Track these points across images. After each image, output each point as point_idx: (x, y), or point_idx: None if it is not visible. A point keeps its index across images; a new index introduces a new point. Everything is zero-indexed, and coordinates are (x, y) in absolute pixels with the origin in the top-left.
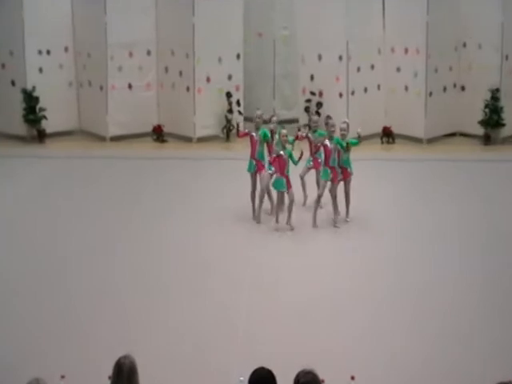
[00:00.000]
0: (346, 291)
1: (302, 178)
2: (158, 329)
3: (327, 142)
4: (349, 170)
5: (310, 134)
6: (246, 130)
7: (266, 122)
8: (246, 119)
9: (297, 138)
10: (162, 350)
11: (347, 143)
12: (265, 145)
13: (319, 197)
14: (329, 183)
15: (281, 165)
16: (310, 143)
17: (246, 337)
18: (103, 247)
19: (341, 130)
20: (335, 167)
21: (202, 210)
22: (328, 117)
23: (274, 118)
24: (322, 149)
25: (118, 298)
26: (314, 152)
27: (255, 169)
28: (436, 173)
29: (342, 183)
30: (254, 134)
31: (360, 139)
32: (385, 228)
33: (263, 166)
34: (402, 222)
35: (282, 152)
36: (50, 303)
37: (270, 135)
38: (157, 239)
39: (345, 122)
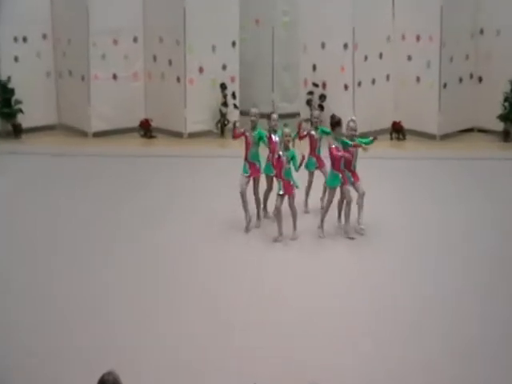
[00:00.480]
0: (349, 304)
1: (309, 185)
2: (150, 339)
3: (334, 144)
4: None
5: (312, 132)
6: (242, 130)
7: (264, 117)
8: (243, 113)
9: (299, 136)
10: (153, 362)
11: (362, 143)
12: (259, 146)
13: (329, 203)
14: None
15: (279, 166)
16: (312, 141)
17: (242, 350)
18: (84, 252)
19: (350, 129)
20: (344, 170)
21: (194, 213)
22: (333, 116)
23: (275, 116)
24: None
25: (105, 313)
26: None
27: (249, 172)
28: (451, 172)
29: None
30: (248, 134)
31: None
32: (393, 235)
33: (258, 170)
34: (413, 229)
35: (280, 153)
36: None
37: (266, 140)
38: (145, 245)
39: (353, 121)
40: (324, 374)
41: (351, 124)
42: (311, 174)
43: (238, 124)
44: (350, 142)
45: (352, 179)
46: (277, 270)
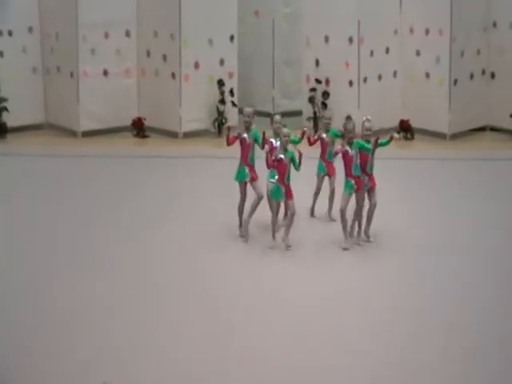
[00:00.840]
0: (351, 305)
1: (317, 193)
2: (149, 339)
3: (348, 148)
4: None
5: (323, 134)
6: (236, 134)
7: (263, 115)
8: (241, 111)
9: (309, 141)
10: (152, 362)
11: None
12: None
13: (342, 212)
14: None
15: (281, 171)
16: (323, 145)
17: (242, 351)
18: (74, 259)
19: (366, 129)
20: (360, 176)
21: (190, 217)
22: (349, 117)
23: (278, 117)
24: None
25: (104, 313)
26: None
27: (249, 177)
28: (461, 174)
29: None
30: (245, 136)
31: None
32: (400, 240)
33: (257, 174)
34: (422, 236)
35: (282, 156)
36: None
37: (260, 140)
38: (137, 252)
39: (369, 120)
40: (324, 375)
41: (366, 124)
42: (320, 179)
43: (231, 126)
44: (369, 146)
45: (369, 184)
46: (277, 272)
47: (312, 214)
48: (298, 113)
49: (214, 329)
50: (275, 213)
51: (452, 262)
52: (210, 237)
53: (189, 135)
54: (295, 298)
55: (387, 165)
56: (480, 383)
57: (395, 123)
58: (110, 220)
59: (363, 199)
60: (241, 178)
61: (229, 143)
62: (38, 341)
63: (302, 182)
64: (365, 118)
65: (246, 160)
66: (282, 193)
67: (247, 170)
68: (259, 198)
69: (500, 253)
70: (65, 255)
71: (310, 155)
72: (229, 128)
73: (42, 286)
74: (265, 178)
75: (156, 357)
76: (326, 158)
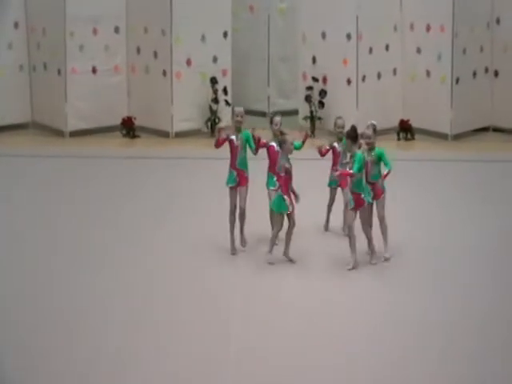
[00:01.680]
0: (352, 312)
1: (330, 205)
2: (146, 341)
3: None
4: (380, 186)
5: (335, 144)
6: (224, 135)
7: (258, 114)
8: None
9: (320, 153)
10: (148, 370)
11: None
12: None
13: (350, 228)
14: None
15: (286, 180)
16: (335, 156)
17: (238, 363)
18: (59, 265)
19: (365, 137)
20: (361, 193)
21: (182, 220)
22: (354, 129)
23: (278, 119)
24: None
25: (96, 320)
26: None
27: (236, 181)
28: (464, 176)
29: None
30: (233, 137)
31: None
32: (400, 245)
33: (246, 179)
34: (422, 238)
35: (287, 165)
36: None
37: (252, 142)
38: (127, 260)
39: (373, 125)
40: (321, 376)
41: (367, 132)
42: (333, 191)
43: (222, 128)
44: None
45: (371, 194)
46: (275, 276)
47: (326, 228)
48: (294, 112)
49: (211, 329)
50: (278, 227)
51: (452, 263)
52: (204, 239)
53: (181, 135)
54: (295, 300)
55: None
56: None
57: (395, 123)
58: (98, 222)
59: (366, 217)
60: (228, 183)
61: (217, 145)
62: (35, 340)
63: (314, 193)
64: (369, 124)
65: (234, 164)
66: (285, 204)
67: (235, 174)
68: (240, 209)
69: (500, 254)
70: (50, 255)
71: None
72: (219, 130)
73: (32, 286)
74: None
75: (154, 357)
76: (339, 168)
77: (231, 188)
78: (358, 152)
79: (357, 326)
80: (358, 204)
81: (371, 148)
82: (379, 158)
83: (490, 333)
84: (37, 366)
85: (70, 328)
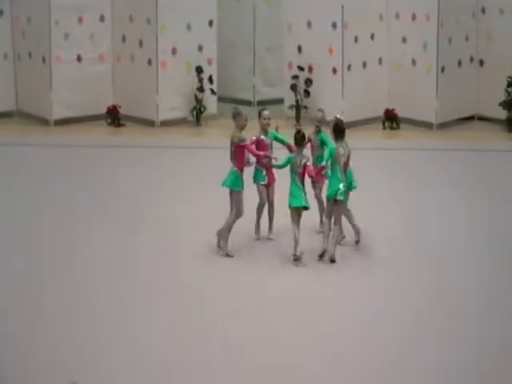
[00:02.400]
0: (344, 311)
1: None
2: (130, 348)
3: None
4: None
5: (311, 136)
6: (254, 138)
7: (244, 103)
8: (221, 99)
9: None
10: (133, 370)
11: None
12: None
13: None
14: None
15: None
16: (312, 149)
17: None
18: (43, 256)
19: (316, 120)
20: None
21: (167, 211)
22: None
23: (266, 113)
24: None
25: (82, 319)
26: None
27: (266, 179)
28: (449, 165)
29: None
30: (263, 137)
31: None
32: (388, 236)
33: (274, 176)
34: (409, 231)
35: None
36: None
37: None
38: (112, 250)
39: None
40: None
41: (318, 114)
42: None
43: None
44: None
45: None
46: (263, 273)
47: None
48: (280, 101)
49: (196, 325)
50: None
51: (438, 251)
52: (190, 228)
53: (166, 124)
54: (284, 296)
55: (372, 155)
56: None
57: (380, 112)
58: (83, 211)
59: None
60: (259, 181)
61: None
62: (19, 338)
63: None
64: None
65: (263, 163)
66: (303, 197)
67: (264, 172)
68: (269, 203)
69: (488, 241)
70: (33, 246)
71: None
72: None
73: (12, 278)
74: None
75: (140, 357)
76: (316, 162)
77: (262, 185)
78: (332, 145)
79: (346, 322)
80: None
81: (318, 131)
82: (322, 143)
83: (483, 326)
84: (23, 364)
85: (55, 323)
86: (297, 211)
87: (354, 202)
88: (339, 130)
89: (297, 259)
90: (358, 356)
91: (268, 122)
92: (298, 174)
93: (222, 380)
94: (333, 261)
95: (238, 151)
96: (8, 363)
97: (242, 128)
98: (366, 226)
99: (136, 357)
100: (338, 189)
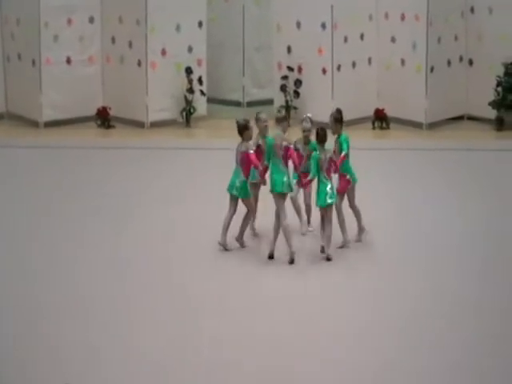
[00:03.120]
0: (339, 309)
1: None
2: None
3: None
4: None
5: (298, 146)
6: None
7: (232, 104)
8: (210, 101)
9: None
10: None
11: None
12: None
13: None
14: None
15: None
16: (299, 159)
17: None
18: (34, 257)
19: (305, 130)
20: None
21: (157, 212)
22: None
23: (265, 116)
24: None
25: (77, 319)
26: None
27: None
28: (439, 164)
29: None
30: (299, 147)
31: None
32: (380, 235)
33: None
34: (402, 230)
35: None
36: None
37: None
38: (105, 255)
39: (309, 118)
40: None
41: (305, 125)
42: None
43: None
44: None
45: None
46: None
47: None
48: (269, 102)
49: (191, 329)
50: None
51: (430, 255)
52: (179, 229)
53: (156, 125)
54: (277, 296)
55: (362, 155)
56: None
57: (370, 112)
58: (73, 213)
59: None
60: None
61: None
62: (12, 338)
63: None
64: (304, 116)
65: (298, 169)
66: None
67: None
68: (306, 205)
69: (478, 241)
70: (25, 247)
71: None
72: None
73: (8, 280)
74: None
75: (135, 357)
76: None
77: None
78: (343, 134)
79: (345, 322)
80: (344, 185)
81: (307, 142)
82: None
83: (480, 325)
84: (18, 365)
85: (48, 325)
86: (325, 210)
87: (346, 201)
88: (320, 138)
89: (328, 258)
90: (358, 356)
91: (266, 125)
92: (325, 169)
93: (218, 380)
94: (329, 259)
95: (246, 158)
96: (2, 364)
97: (263, 133)
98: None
99: (131, 357)
100: (326, 193)
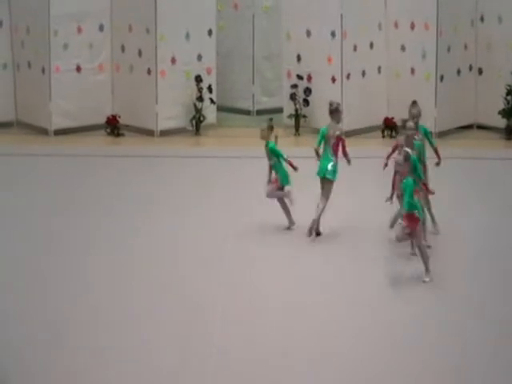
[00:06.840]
0: (335, 304)
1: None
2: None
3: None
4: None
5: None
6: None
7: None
8: (220, 109)
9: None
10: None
11: None
12: None
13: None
14: None
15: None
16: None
17: (220, 358)
18: (44, 264)
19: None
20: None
21: (167, 219)
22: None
23: (410, 124)
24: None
25: (83, 319)
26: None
27: None
28: (448, 173)
29: None
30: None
31: None
32: (384, 243)
33: None
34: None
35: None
36: None
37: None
38: (114, 261)
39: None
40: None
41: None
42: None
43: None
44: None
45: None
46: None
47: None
48: (279, 110)
49: (197, 332)
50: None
51: (437, 261)
52: (189, 237)
53: (165, 133)
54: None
55: (371, 163)
56: None
57: (380, 121)
58: (83, 221)
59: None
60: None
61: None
62: (16, 341)
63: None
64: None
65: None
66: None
67: None
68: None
69: (485, 250)
70: (35, 254)
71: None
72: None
73: (19, 286)
74: None
75: (141, 360)
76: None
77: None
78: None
79: (345, 321)
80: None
81: (411, 143)
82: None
83: (479, 325)
84: (20, 367)
85: (52, 328)
86: (321, 182)
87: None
88: (331, 110)
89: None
90: (358, 356)
91: (413, 134)
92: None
93: (221, 382)
94: (318, 234)
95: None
96: (6, 366)
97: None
98: (371, 230)
99: (136, 359)
100: (327, 168)
